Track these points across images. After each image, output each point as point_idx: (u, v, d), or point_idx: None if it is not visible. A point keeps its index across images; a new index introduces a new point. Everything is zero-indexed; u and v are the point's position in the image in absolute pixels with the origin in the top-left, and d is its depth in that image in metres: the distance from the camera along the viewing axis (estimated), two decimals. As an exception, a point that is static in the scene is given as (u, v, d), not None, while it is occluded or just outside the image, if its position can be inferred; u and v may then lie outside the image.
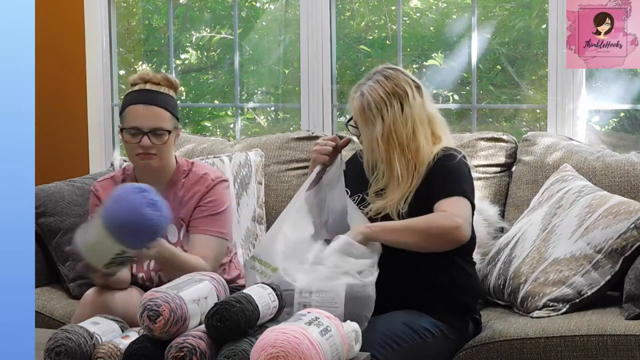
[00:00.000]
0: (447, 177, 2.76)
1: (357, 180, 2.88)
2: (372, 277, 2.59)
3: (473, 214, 2.84)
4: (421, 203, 2.74)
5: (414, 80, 2.83)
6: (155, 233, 2.63)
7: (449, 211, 2.69)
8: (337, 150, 2.92)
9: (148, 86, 2.94)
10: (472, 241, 2.89)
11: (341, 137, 2.98)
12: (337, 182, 2.87)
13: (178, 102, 3.04)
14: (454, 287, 2.81)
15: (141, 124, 2.90)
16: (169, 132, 2.93)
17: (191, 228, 2.96)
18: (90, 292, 2.89)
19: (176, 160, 3.03)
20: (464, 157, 2.82)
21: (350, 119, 2.87)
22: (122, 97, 3.00)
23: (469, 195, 2.76)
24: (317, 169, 2.90)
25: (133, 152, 2.93)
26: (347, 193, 2.86)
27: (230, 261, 3.11)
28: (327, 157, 2.90)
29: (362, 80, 2.85)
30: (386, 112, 2.76)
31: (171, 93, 2.98)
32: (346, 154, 3.06)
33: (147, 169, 2.96)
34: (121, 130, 2.95)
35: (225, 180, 3.03)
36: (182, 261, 2.80)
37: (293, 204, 2.82)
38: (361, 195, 2.86)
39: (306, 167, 3.65)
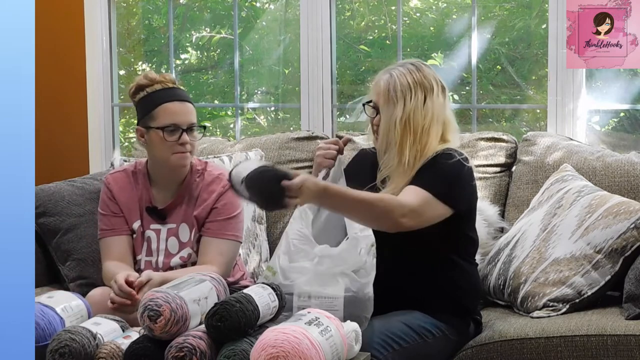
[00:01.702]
0: (430, 172, 2.74)
1: (361, 177, 2.88)
2: (369, 277, 2.59)
3: (472, 218, 2.83)
4: None
5: (441, 82, 2.85)
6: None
7: (401, 197, 2.66)
8: (339, 151, 2.93)
9: (170, 85, 2.95)
10: (474, 242, 2.89)
11: (340, 137, 2.97)
12: (339, 182, 2.87)
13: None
14: (455, 287, 2.81)
15: (179, 120, 2.92)
16: (204, 127, 2.99)
17: (206, 231, 2.95)
18: (96, 292, 2.88)
19: None
20: (465, 159, 2.80)
21: (369, 101, 2.86)
22: (143, 98, 2.96)
23: (443, 196, 2.71)
24: (323, 173, 2.90)
25: (169, 150, 2.93)
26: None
27: (235, 263, 3.09)
28: (333, 161, 2.91)
29: (392, 65, 2.87)
30: (409, 99, 2.78)
31: None
32: (346, 154, 3.05)
33: (179, 166, 2.95)
34: (148, 129, 2.92)
35: None
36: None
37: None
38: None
39: (306, 167, 3.65)
